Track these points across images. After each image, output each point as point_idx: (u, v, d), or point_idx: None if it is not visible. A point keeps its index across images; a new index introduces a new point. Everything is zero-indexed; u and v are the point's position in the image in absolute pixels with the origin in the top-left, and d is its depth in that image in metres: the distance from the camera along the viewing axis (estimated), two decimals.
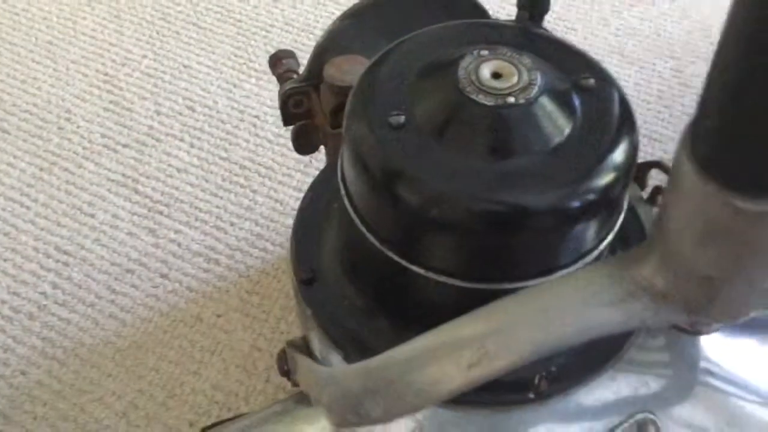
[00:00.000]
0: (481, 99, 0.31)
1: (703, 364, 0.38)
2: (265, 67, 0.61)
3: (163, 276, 0.52)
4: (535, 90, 0.32)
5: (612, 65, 0.65)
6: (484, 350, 0.23)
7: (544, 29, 0.48)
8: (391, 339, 0.36)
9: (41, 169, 0.58)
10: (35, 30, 0.69)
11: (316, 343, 0.38)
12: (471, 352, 0.23)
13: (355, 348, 0.36)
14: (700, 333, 0.23)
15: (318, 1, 0.70)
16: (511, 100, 0.31)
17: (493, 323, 0.24)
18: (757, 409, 0.38)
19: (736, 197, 0.19)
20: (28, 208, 0.56)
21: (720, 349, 0.40)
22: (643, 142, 0.60)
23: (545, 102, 0.32)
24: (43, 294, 0.51)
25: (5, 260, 0.53)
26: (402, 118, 0.32)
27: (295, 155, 0.57)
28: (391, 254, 0.34)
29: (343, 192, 0.36)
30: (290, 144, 0.45)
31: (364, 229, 0.35)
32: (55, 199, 0.56)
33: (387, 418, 0.26)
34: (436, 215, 0.31)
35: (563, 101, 0.32)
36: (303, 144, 0.46)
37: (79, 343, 0.48)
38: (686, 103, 0.62)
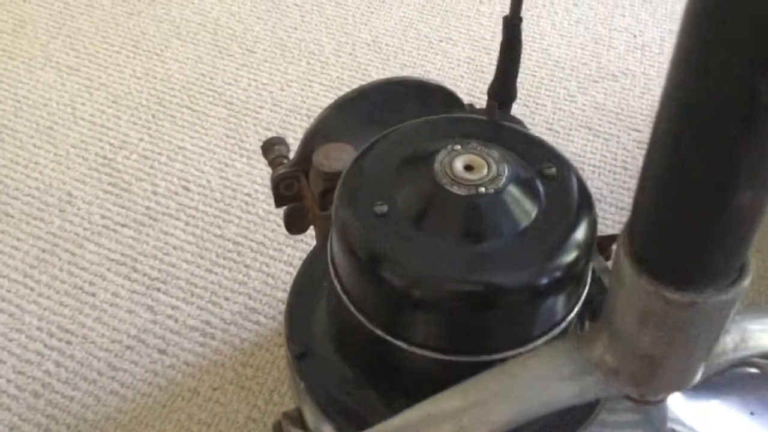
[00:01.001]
0: (455, 190, 0.35)
1: (670, 425, 0.41)
2: (256, 146, 0.65)
3: (161, 351, 0.54)
4: (503, 180, 0.35)
5: (579, 138, 0.69)
6: (461, 424, 0.26)
7: (513, 116, 0.52)
8: (379, 409, 0.39)
9: (44, 251, 0.61)
10: (36, 116, 0.72)
11: (309, 415, 0.40)
12: (450, 425, 0.26)
13: (346, 419, 0.39)
14: (650, 403, 0.26)
15: (304, 84, 0.74)
16: (482, 190, 0.35)
17: (468, 399, 0.27)
18: None
19: (666, 290, 0.22)
20: (31, 289, 0.58)
21: (685, 409, 0.42)
22: (609, 210, 0.64)
23: (512, 190, 0.35)
24: (47, 372, 0.53)
25: (10, 340, 0.55)
26: (385, 208, 0.36)
27: (285, 232, 0.61)
28: (376, 330, 0.37)
29: (332, 272, 0.39)
30: (280, 220, 0.49)
31: (351, 307, 0.38)
32: (57, 279, 0.59)
33: None
34: (417, 296, 0.34)
35: (528, 189, 0.36)
36: (294, 225, 0.49)
37: (82, 419, 0.51)
38: None
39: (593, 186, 0.65)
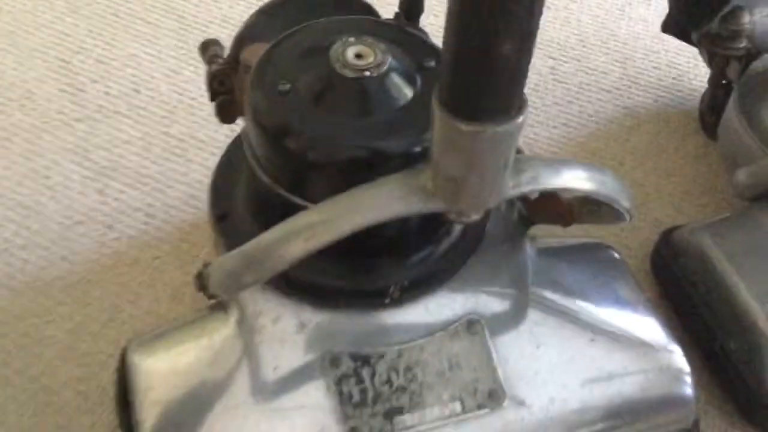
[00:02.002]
0: (346, 72, 0.42)
1: (531, 289, 0.50)
2: None
3: (108, 227, 0.62)
4: (385, 67, 0.43)
5: None
6: (314, 230, 0.34)
7: (420, 29, 0.59)
8: None
9: (5, 139, 0.68)
10: (1, 21, 0.78)
11: None
12: (307, 232, 0.34)
13: None
14: (465, 220, 0.34)
15: (251, 2, 0.81)
16: (367, 73, 0.42)
17: (320, 215, 0.35)
18: (588, 345, 0.49)
19: (459, 122, 0.30)
20: None
21: (547, 278, 0.51)
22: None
23: (393, 76, 0.43)
24: (5, 239, 0.61)
25: None
26: (288, 86, 0.43)
27: (225, 131, 0.68)
28: (282, 192, 0.44)
29: (245, 145, 0.47)
30: (221, 124, 0.55)
31: (261, 173, 0.45)
32: (16, 164, 0.66)
33: (255, 282, 0.37)
34: (313, 159, 0.42)
35: (407, 76, 0.43)
36: (225, 115, 0.56)
37: (36, 278, 0.58)
38: (557, 95, 0.74)
39: None
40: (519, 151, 0.36)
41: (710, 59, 0.65)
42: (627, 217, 0.43)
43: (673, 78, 0.76)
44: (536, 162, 0.36)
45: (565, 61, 0.77)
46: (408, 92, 0.43)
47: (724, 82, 0.65)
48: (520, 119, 0.30)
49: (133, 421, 0.46)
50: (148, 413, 0.45)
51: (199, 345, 0.47)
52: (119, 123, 0.70)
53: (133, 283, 0.59)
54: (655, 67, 0.77)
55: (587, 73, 0.76)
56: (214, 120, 0.70)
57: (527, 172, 0.35)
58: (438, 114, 0.30)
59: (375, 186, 0.35)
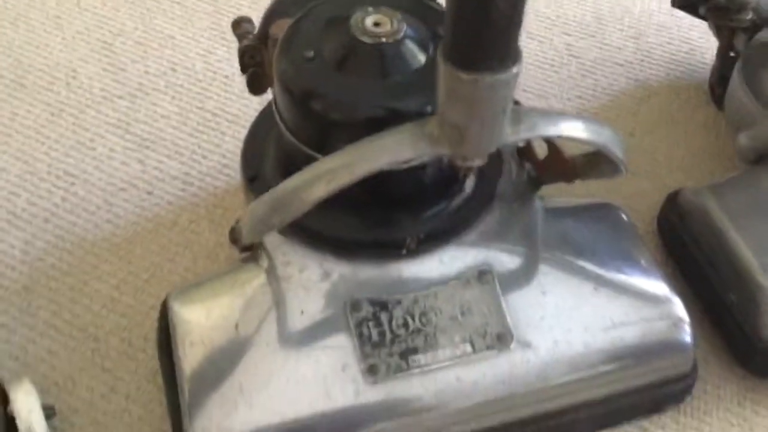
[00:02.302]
0: (365, 39, 0.46)
1: (540, 243, 0.53)
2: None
3: (149, 193, 0.67)
4: (401, 34, 0.47)
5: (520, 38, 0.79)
6: (333, 174, 0.38)
7: (436, 2, 0.63)
8: (316, 217, 0.51)
9: (52, 114, 0.73)
10: (47, 6, 0.83)
11: None
12: (327, 176, 0.38)
13: (289, 226, 0.51)
14: (471, 167, 0.37)
15: None
16: (384, 40, 0.46)
17: (340, 160, 0.39)
18: (592, 294, 0.52)
19: (459, 72, 0.34)
20: (42, 143, 0.70)
21: (555, 233, 0.54)
22: (531, 97, 0.75)
23: (408, 42, 0.47)
24: (54, 204, 0.66)
25: (24, 181, 0.67)
26: (312, 53, 0.47)
27: (255, 107, 0.72)
28: (309, 151, 0.49)
29: (274, 110, 0.51)
30: (253, 98, 0.60)
31: (289, 135, 0.50)
32: (63, 136, 0.71)
33: (281, 224, 0.41)
34: (335, 117, 0.46)
35: (421, 42, 0.47)
36: (255, 86, 0.60)
37: (82, 239, 0.63)
38: (572, 70, 0.77)
39: (523, 79, 0.76)
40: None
41: (718, 31, 0.68)
42: (622, 168, 0.46)
43: (685, 52, 0.78)
44: (534, 112, 0.39)
45: (581, 38, 0.80)
46: (422, 57, 0.47)
47: (731, 54, 0.68)
48: (515, 69, 0.34)
49: (174, 363, 0.50)
50: (187, 355, 0.49)
51: (233, 293, 0.51)
52: (158, 99, 0.74)
53: (172, 244, 0.63)
54: (668, 42, 0.80)
55: (602, 49, 0.79)
56: (246, 96, 0.74)
57: (525, 122, 0.39)
58: (442, 66, 0.34)
59: (388, 134, 0.39)
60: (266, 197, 0.42)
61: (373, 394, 0.47)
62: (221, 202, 0.66)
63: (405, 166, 0.47)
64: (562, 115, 0.44)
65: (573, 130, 0.42)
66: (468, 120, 0.35)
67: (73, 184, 0.67)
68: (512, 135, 0.38)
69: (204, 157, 0.70)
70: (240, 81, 0.75)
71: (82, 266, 0.62)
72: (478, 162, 0.39)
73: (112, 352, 0.57)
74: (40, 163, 0.69)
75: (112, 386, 0.55)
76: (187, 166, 0.69)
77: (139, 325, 0.58)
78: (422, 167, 0.49)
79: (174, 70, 0.77)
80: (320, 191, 0.39)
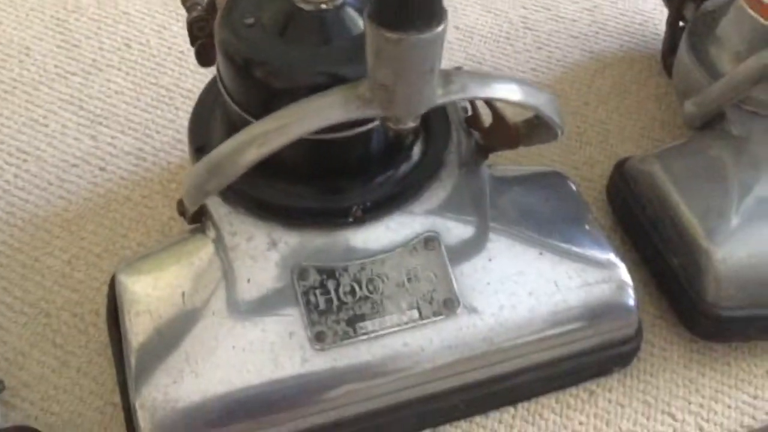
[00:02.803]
0: (304, 6, 0.46)
1: (487, 210, 0.54)
2: None
3: (102, 169, 0.66)
4: (341, 0, 0.47)
5: (473, 13, 0.80)
6: (266, 137, 0.38)
7: None
8: (263, 186, 0.51)
9: (5, 92, 0.72)
10: None
11: None
12: (260, 139, 0.38)
13: (234, 193, 0.51)
14: (403, 129, 0.37)
15: None
16: (323, 6, 0.46)
17: (272, 123, 0.39)
18: (537, 259, 0.53)
19: (385, 31, 0.34)
20: None
21: (502, 200, 0.55)
22: (485, 70, 0.75)
23: (347, 9, 0.47)
24: (6, 181, 0.65)
25: None
26: (252, 20, 0.47)
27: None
28: (252, 119, 0.48)
29: (218, 78, 0.51)
30: (206, 73, 0.59)
31: (231, 103, 0.50)
32: (16, 113, 0.70)
33: (217, 189, 0.41)
34: (277, 85, 0.46)
35: (361, 9, 0.47)
36: (204, 58, 0.60)
37: (34, 216, 0.63)
38: (528, 42, 0.78)
39: (478, 52, 0.77)
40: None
41: (668, 1, 0.69)
42: (558, 131, 0.46)
43: (639, 23, 0.79)
44: (465, 74, 0.40)
45: (536, 10, 0.81)
46: (361, 23, 0.47)
47: (681, 23, 0.68)
48: (440, 28, 0.34)
49: (122, 334, 0.50)
50: (133, 326, 0.49)
51: (180, 263, 0.51)
52: (112, 75, 0.74)
53: (125, 219, 0.63)
54: (622, 14, 0.80)
55: (557, 21, 0.80)
56: (200, 71, 0.74)
57: (456, 83, 0.39)
58: (369, 26, 0.34)
59: (320, 96, 0.39)
60: (201, 163, 0.42)
61: (321, 361, 0.48)
62: (175, 177, 0.66)
63: (349, 132, 0.47)
64: (494, 76, 0.45)
65: (506, 91, 0.42)
66: (396, 80, 0.36)
67: (25, 160, 0.67)
68: (442, 96, 0.39)
69: (158, 132, 0.69)
70: (194, 57, 0.75)
71: (33, 242, 0.61)
72: (410, 124, 0.39)
73: (64, 327, 0.57)
74: None
75: (64, 360, 0.55)
76: (141, 142, 0.69)
77: (91, 300, 0.58)
78: (368, 135, 0.49)
79: (128, 45, 0.77)
80: (253, 154, 0.39)
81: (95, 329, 0.56)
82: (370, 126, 0.47)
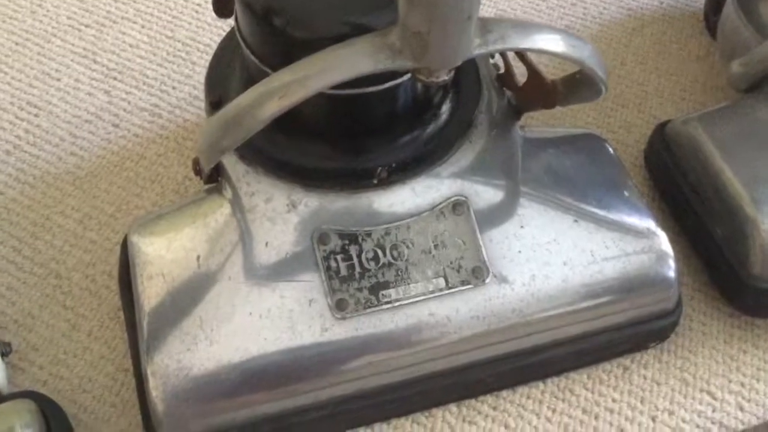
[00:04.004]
0: None
1: (519, 174, 0.51)
2: None
3: (115, 125, 0.64)
4: None
5: None
6: (287, 89, 0.35)
7: None
8: (283, 145, 0.48)
9: (16, 44, 0.69)
10: None
11: None
12: (281, 90, 0.35)
13: (250, 150, 0.48)
14: (435, 81, 0.34)
15: None
16: None
17: (294, 73, 0.36)
18: (572, 226, 0.50)
19: None
20: (5, 73, 0.67)
21: (535, 164, 0.52)
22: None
23: None
24: (17, 137, 0.63)
25: None
26: None
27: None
28: (268, 69, 0.45)
29: (236, 30, 0.48)
30: (224, 26, 0.56)
31: (249, 55, 0.47)
32: (27, 66, 0.68)
33: (233, 146, 0.38)
34: (296, 34, 0.43)
35: None
36: (221, 8, 0.57)
37: (45, 173, 0.61)
38: None
39: (509, 7, 0.73)
40: None
41: None
42: (603, 88, 0.43)
43: None
44: (505, 22, 0.36)
45: None
46: None
47: None
48: None
49: (133, 298, 0.48)
50: (146, 289, 0.47)
51: (195, 225, 0.49)
52: (126, 28, 0.71)
53: (139, 178, 0.61)
54: None
55: None
56: (218, 24, 0.71)
57: (495, 32, 0.36)
58: None
59: (346, 45, 0.36)
60: (217, 117, 0.39)
61: (341, 330, 0.45)
62: (191, 134, 0.63)
63: (375, 88, 0.44)
64: (536, 26, 0.41)
65: (549, 42, 0.39)
66: (430, 27, 0.32)
67: (36, 115, 0.64)
68: (480, 47, 0.35)
69: (173, 87, 0.67)
70: (211, 10, 0.71)
71: (44, 200, 0.59)
72: (443, 77, 0.36)
73: (75, 289, 0.55)
74: (2, 94, 0.66)
75: (74, 324, 0.53)
76: (156, 98, 0.66)
77: (103, 261, 0.56)
78: (395, 91, 0.46)
79: None
80: (272, 107, 0.36)
81: (108, 291, 0.54)
82: (398, 81, 0.44)
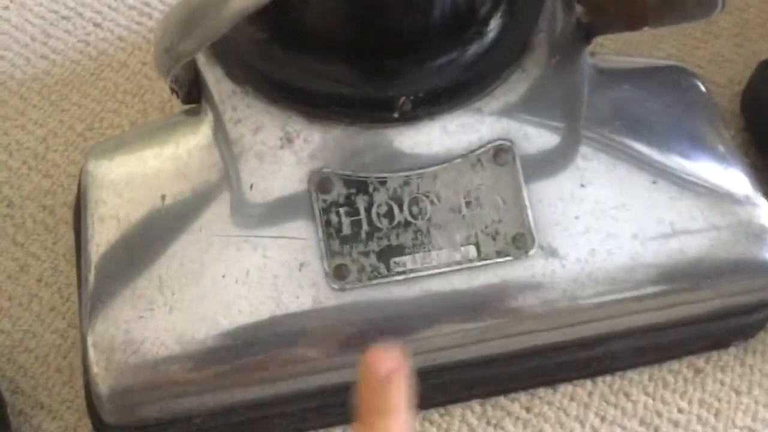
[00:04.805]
0: None
1: (583, 115, 0.39)
2: None
3: (96, 25, 0.53)
4: None
5: None
6: None
7: None
8: (280, 62, 0.38)
9: None
10: None
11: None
12: None
13: (242, 68, 0.38)
14: None
15: None
16: None
17: None
18: (648, 189, 0.39)
19: None
20: None
21: (605, 103, 0.40)
22: None
23: None
24: None
25: None
26: None
27: None
28: None
29: None
30: None
31: None
32: None
33: (194, 51, 0.28)
34: None
35: None
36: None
37: (9, 77, 0.51)
38: None
39: None
40: None
41: None
42: (719, 2, 0.31)
43: None
44: None
45: None
46: None
47: None
48: None
49: (81, 243, 0.38)
50: (97, 233, 0.37)
51: (163, 155, 0.38)
52: None
53: (118, 90, 0.50)
54: None
55: None
56: None
57: None
58: None
59: None
60: (173, 9, 0.29)
61: (338, 304, 0.35)
62: None
63: None
64: None
65: None
66: None
67: (6, 8, 0.54)
68: None
69: None
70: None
71: (4, 111, 0.49)
72: None
73: (28, 222, 0.45)
74: None
75: (23, 264, 0.44)
76: None
77: (66, 190, 0.46)
78: None
79: None
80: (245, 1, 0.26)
81: (67, 227, 0.45)
82: None
